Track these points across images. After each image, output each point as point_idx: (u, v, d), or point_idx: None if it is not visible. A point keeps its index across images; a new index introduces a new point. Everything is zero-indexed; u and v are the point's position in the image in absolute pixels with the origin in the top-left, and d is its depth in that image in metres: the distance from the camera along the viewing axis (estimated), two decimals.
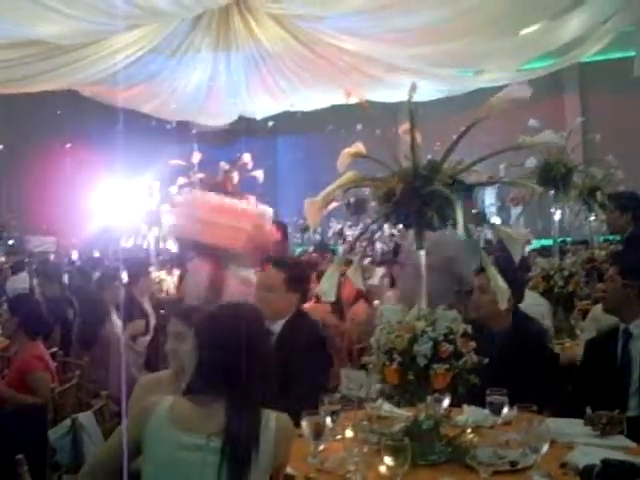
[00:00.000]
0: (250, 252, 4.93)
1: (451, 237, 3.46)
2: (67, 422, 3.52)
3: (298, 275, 3.77)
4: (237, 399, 2.27)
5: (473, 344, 2.77)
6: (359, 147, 2.81)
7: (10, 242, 13.24)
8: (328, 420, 2.80)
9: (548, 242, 8.42)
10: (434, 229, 2.69)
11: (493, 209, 15.67)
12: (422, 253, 2.77)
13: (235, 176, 8.75)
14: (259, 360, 2.36)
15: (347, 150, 2.77)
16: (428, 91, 10.10)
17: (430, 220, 2.63)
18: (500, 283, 2.64)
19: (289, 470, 2.59)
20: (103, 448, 2.64)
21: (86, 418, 3.51)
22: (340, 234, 14.11)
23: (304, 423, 2.68)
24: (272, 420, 2.30)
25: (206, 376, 2.35)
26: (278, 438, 2.29)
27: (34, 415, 3.89)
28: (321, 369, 3.55)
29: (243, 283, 5.07)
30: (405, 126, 2.83)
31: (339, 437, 2.89)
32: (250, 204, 5.55)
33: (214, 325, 2.44)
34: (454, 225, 2.59)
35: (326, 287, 2.75)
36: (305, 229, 14.90)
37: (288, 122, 13.61)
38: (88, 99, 11.21)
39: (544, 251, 8.39)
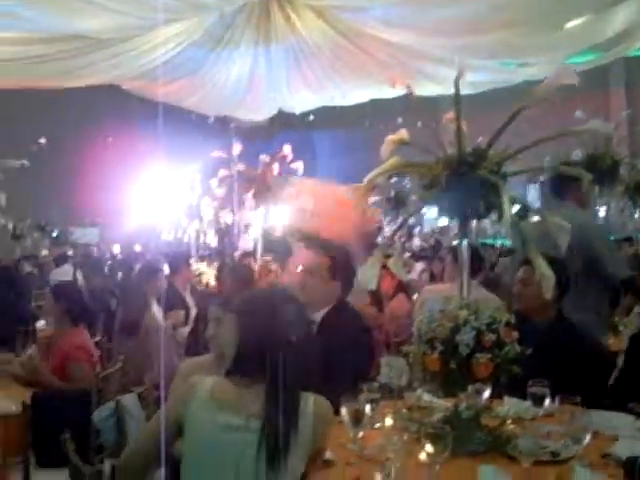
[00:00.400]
0: (356, 241, 4.79)
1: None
2: (111, 404, 3.58)
3: (343, 262, 3.69)
4: (276, 381, 2.29)
5: (516, 334, 2.74)
6: (403, 134, 2.80)
7: (54, 234, 13.46)
8: (367, 408, 2.80)
9: None
10: (479, 217, 2.67)
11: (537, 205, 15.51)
12: (464, 243, 2.76)
13: (275, 168, 8.78)
14: (299, 343, 2.38)
15: (391, 137, 2.76)
16: (471, 84, 9.98)
17: (475, 208, 2.61)
18: (546, 271, 2.61)
19: (329, 456, 2.61)
20: (145, 430, 2.67)
21: (129, 400, 3.56)
22: (378, 229, 14.02)
23: (343, 410, 2.68)
24: (311, 403, 2.32)
25: (246, 359, 2.38)
26: (316, 421, 2.31)
27: (78, 399, 3.95)
28: (363, 360, 3.51)
29: None
30: (450, 114, 2.81)
31: (378, 425, 2.88)
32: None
33: (255, 308, 2.46)
34: (500, 213, 2.57)
35: (367, 276, 2.75)
36: None
37: (327, 116, 13.60)
38: (129, 93, 11.32)
39: None
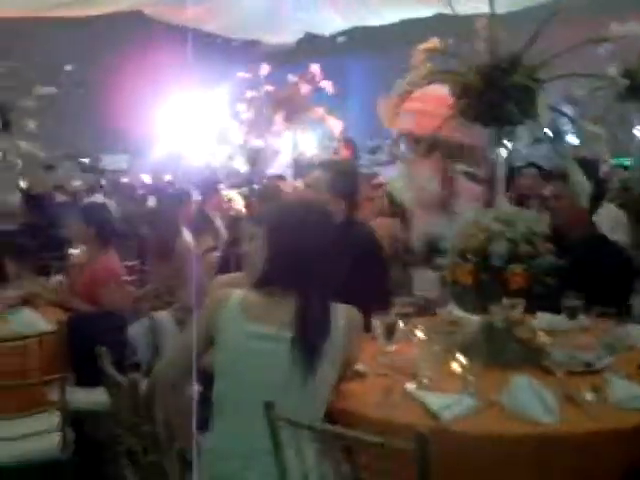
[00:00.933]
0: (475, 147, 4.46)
1: None
2: (145, 320, 3.61)
3: (344, 179, 3.55)
4: (307, 290, 2.29)
5: (550, 245, 2.70)
6: (435, 42, 2.71)
7: (85, 160, 13.49)
8: (399, 322, 2.80)
9: (627, 163, 8.26)
10: (513, 124, 2.59)
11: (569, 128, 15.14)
12: (501, 152, 2.69)
13: (303, 88, 8.63)
14: (327, 252, 2.36)
15: (422, 45, 2.68)
16: (504, 3, 9.62)
17: (510, 114, 2.53)
18: (581, 178, 2.55)
19: (361, 367, 2.62)
20: (176, 344, 2.70)
21: (163, 316, 3.59)
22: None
23: (376, 323, 2.68)
24: (341, 312, 2.31)
25: (275, 269, 2.37)
26: (347, 330, 2.31)
27: (114, 319, 3.99)
28: (374, 276, 3.44)
29: (471, 181, 4.72)
30: (483, 20, 2.71)
31: (410, 338, 2.88)
32: None
33: (283, 218, 2.45)
34: (534, 119, 2.49)
35: (399, 185, 2.70)
36: (374, 150, 14.65)
37: (356, 39, 13.31)
38: (152, 19, 11.14)
39: (623, 170, 8.20)
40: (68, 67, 11.51)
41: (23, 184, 10.30)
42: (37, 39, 12.96)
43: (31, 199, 8.65)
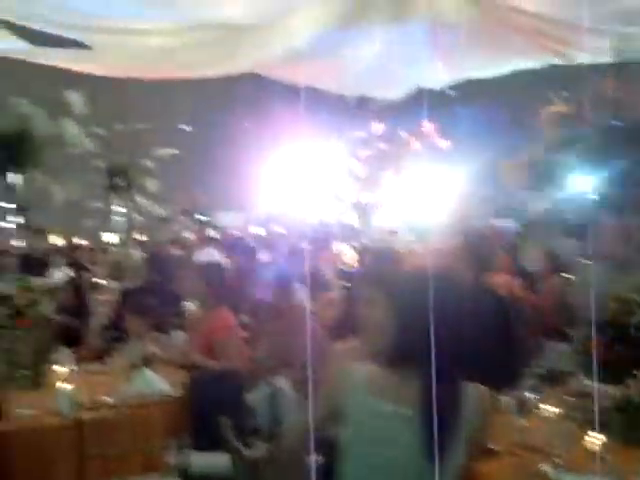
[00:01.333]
0: None
1: None
2: (266, 387, 3.60)
3: (475, 245, 3.54)
4: (434, 368, 2.19)
5: None
6: (562, 105, 2.63)
7: (200, 218, 13.92)
8: (531, 395, 2.68)
9: None
10: None
11: None
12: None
13: (415, 144, 8.62)
14: (457, 325, 2.26)
15: (552, 108, 2.61)
16: (617, 51, 9.35)
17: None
18: None
19: (492, 445, 2.51)
20: (300, 416, 2.66)
21: (283, 382, 3.57)
22: (525, 205, 13.50)
23: (506, 398, 2.58)
24: (470, 391, 2.22)
25: (402, 345, 2.27)
26: (476, 409, 2.21)
27: (232, 380, 4.01)
28: (506, 346, 3.31)
29: None
30: (608, 81, 2.62)
31: (543, 413, 2.74)
32: None
33: (410, 289, 2.33)
34: None
35: (528, 254, 2.61)
36: (486, 201, 14.39)
37: (466, 91, 13.21)
38: (264, 78, 11.43)
39: None
40: (187, 128, 11.93)
41: (143, 238, 10.71)
42: (154, 100, 13.55)
43: (149, 255, 8.92)
